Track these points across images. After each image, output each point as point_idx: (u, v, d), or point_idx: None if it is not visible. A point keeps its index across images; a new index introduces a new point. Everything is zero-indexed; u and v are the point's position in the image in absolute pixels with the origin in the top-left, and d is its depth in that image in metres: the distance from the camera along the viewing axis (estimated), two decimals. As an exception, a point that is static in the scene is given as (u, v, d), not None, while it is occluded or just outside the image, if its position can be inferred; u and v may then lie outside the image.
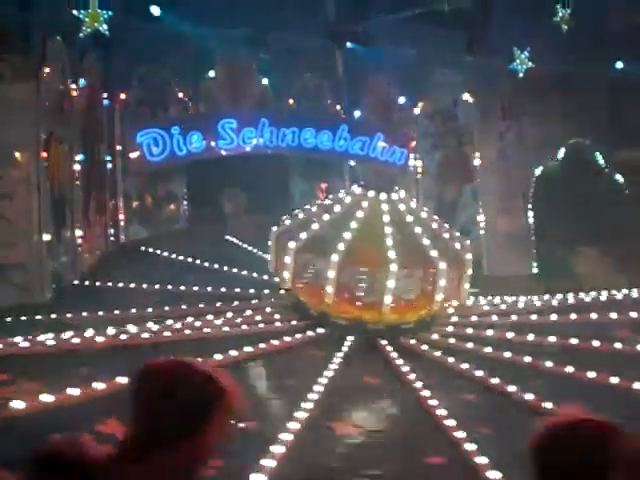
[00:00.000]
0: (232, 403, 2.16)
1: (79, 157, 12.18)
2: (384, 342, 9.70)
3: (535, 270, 15.50)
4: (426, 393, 7.72)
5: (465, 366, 8.72)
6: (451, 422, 6.89)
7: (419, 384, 8.01)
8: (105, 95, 13.77)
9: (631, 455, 2.05)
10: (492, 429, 6.92)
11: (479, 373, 8.47)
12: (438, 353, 9.35)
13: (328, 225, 10.49)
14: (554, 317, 11.09)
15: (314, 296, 10.20)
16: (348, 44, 14.78)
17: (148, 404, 2.11)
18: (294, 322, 10.21)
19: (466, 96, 15.34)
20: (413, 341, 9.88)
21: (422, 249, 10.30)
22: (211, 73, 14.85)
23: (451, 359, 9.04)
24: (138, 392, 2.15)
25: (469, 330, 10.42)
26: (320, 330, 9.99)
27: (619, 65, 16.31)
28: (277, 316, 10.34)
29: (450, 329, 10.57)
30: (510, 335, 10.05)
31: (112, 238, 13.84)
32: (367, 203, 10.79)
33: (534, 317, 11.18)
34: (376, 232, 10.32)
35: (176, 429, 2.07)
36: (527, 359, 8.98)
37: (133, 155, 13.87)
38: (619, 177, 16.55)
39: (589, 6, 15.35)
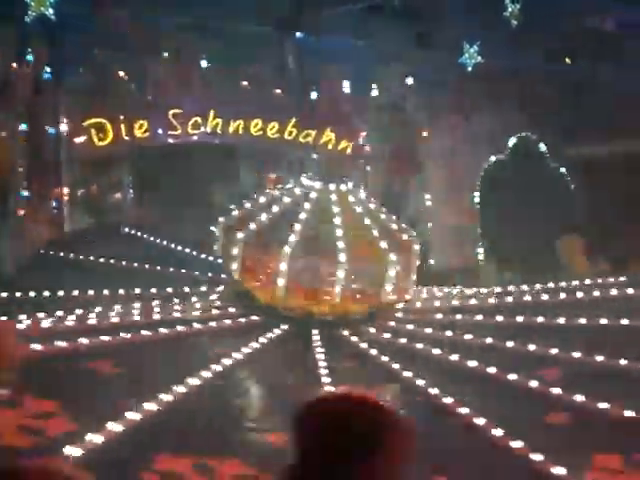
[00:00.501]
0: (404, 436, 2.11)
1: (22, 142, 11.99)
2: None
3: (481, 263, 15.70)
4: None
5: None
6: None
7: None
8: (51, 79, 13.53)
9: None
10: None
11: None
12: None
13: (272, 219, 10.53)
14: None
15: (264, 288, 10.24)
16: (298, 34, 14.71)
17: (320, 438, 2.06)
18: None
19: (416, 88, 15.39)
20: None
21: (372, 240, 10.46)
22: (159, 60, 14.64)
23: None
24: (308, 427, 2.09)
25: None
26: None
27: (567, 61, 16.54)
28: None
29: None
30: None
31: (55, 226, 13.63)
32: (316, 195, 10.88)
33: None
34: (327, 224, 10.43)
35: (350, 461, 2.03)
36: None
37: (79, 140, 13.68)
38: (564, 171, 16.79)
39: (542, 3, 15.53)
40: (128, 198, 14.99)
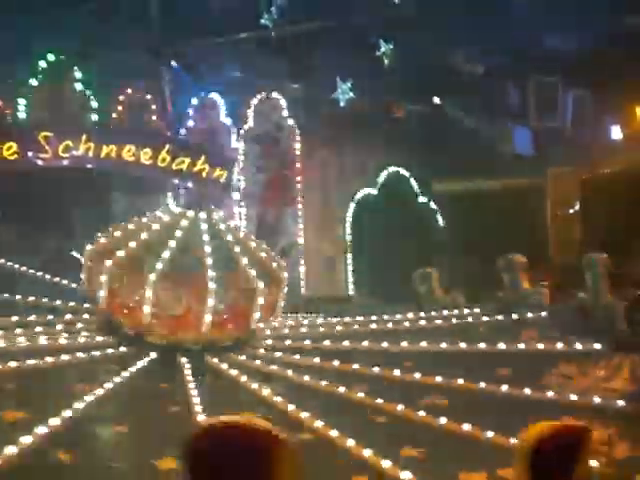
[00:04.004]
0: (294, 459, 2.12)
1: None
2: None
3: (351, 292, 16.12)
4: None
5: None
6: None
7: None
8: None
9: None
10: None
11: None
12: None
13: (140, 246, 10.47)
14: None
15: (130, 316, 10.15)
16: (173, 63, 14.79)
17: (215, 469, 2.03)
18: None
19: (290, 121, 15.72)
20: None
21: (241, 268, 10.54)
22: (32, 81, 14.39)
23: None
24: (201, 456, 2.05)
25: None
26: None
27: (436, 101, 17.28)
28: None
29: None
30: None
31: None
32: (186, 222, 10.90)
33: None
34: (196, 251, 10.47)
35: None
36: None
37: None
38: (433, 206, 17.51)
39: (413, 47, 16.22)
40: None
